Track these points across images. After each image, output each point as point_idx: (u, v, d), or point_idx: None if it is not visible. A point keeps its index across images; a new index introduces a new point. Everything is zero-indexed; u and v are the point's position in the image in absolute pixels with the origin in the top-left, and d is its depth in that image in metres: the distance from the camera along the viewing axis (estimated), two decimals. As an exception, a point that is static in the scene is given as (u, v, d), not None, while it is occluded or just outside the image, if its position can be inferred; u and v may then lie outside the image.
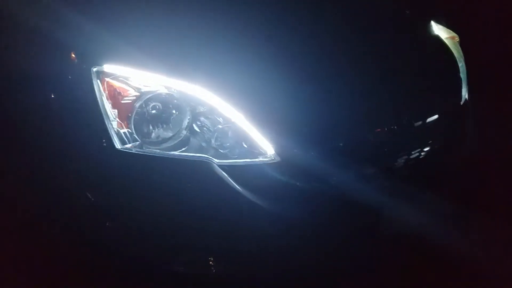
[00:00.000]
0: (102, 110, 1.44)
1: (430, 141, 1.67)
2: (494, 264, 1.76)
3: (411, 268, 1.78)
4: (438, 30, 2.11)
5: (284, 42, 1.59)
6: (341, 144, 1.52)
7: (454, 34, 2.14)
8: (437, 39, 1.94)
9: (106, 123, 1.43)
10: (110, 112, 1.43)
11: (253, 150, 1.45)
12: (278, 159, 1.46)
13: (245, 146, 1.46)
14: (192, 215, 1.44)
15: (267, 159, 1.46)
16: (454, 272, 1.78)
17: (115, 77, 1.46)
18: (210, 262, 1.50)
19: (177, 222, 1.45)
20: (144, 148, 1.44)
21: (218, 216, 1.44)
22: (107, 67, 1.46)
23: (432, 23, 2.10)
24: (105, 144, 1.43)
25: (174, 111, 1.46)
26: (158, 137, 1.45)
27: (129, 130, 1.44)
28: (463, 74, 2.00)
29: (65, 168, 1.52)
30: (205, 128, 1.46)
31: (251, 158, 1.45)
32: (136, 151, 1.43)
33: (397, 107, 1.61)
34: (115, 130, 1.43)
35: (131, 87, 1.45)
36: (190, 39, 1.54)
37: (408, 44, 1.81)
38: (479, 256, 1.76)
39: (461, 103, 1.83)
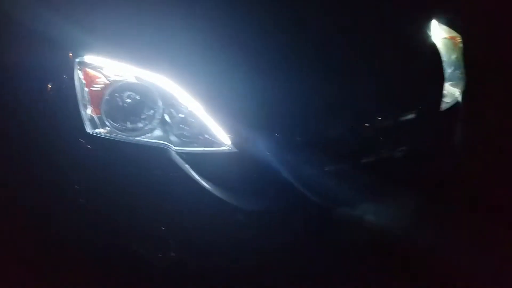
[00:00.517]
0: (78, 97, 1.55)
1: (397, 143, 1.63)
2: (463, 265, 1.69)
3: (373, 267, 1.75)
4: (439, 29, 2.05)
5: (250, 39, 1.63)
6: (298, 139, 1.53)
7: (455, 34, 2.07)
8: (427, 39, 1.88)
9: (81, 108, 1.54)
10: (85, 98, 1.55)
11: (211, 140, 1.51)
12: (234, 149, 1.50)
13: (205, 136, 1.52)
14: (150, 200, 1.52)
15: (224, 149, 1.51)
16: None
17: (94, 67, 1.57)
18: (168, 248, 1.56)
19: (137, 205, 1.54)
20: (112, 133, 1.53)
21: (174, 202, 1.51)
22: (88, 58, 1.57)
23: (435, 22, 2.05)
24: (79, 128, 1.54)
25: (142, 100, 1.54)
26: (126, 123, 1.55)
27: (100, 116, 1.54)
28: (456, 75, 1.93)
29: (45, 150, 1.65)
30: (169, 117, 1.54)
31: (208, 147, 1.50)
32: (103, 135, 1.53)
33: (360, 106, 1.60)
34: (88, 115, 1.54)
35: (105, 76, 1.55)
36: (163, 33, 1.62)
37: (391, 44, 1.78)
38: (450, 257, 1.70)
39: (441, 105, 1.76)
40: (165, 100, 1.54)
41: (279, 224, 1.54)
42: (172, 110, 1.54)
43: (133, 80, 1.56)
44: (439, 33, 2.03)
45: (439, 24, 2.06)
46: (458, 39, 2.06)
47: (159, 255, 1.57)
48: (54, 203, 1.66)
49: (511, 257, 1.82)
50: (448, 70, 1.93)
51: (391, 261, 1.80)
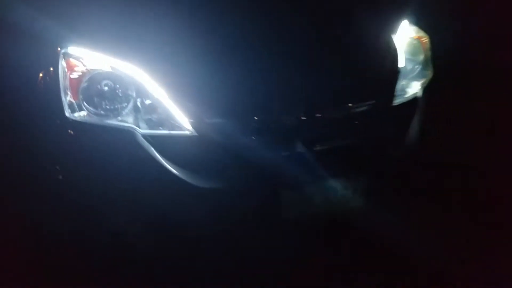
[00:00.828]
0: (60, 84, 1.73)
1: (347, 132, 1.76)
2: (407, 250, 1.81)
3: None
4: (408, 29, 2.16)
5: (211, 35, 1.78)
6: (255, 125, 1.67)
7: (423, 34, 2.18)
8: (388, 38, 2.00)
9: (62, 95, 1.72)
10: (67, 86, 1.72)
11: (174, 124, 1.66)
12: (195, 133, 1.65)
13: (170, 121, 1.68)
14: (119, 177, 1.68)
15: (185, 132, 1.66)
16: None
17: (76, 57, 1.75)
18: (139, 229, 1.72)
19: (108, 182, 1.70)
20: (88, 117, 1.71)
21: (139, 179, 1.67)
22: (71, 49, 1.75)
23: (405, 22, 2.16)
24: (59, 113, 1.72)
25: (115, 88, 1.71)
26: (100, 108, 1.71)
27: (78, 102, 1.72)
28: (420, 72, 2.04)
29: (29, 134, 1.84)
30: (140, 104, 1.70)
31: (170, 130, 1.66)
32: (80, 119, 1.70)
33: (311, 96, 1.73)
34: (68, 101, 1.72)
35: (84, 66, 1.73)
36: (138, 28, 1.79)
37: (349, 40, 1.90)
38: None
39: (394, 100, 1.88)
40: (136, 88, 1.70)
41: (234, 201, 1.68)
42: (141, 97, 1.70)
43: (109, 70, 1.72)
44: (407, 33, 2.14)
45: (409, 24, 2.17)
46: (425, 39, 2.16)
47: (126, 225, 1.73)
48: (36, 180, 1.83)
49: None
50: (411, 67, 2.03)
51: (340, 242, 1.93)
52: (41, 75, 1.81)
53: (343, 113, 1.79)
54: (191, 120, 1.66)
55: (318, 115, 1.74)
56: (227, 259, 1.79)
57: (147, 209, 1.69)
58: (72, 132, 1.74)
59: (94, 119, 1.71)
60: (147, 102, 1.71)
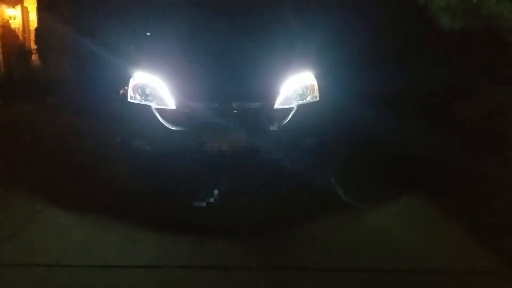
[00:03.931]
0: (129, 88, 4.08)
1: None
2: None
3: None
4: (307, 75, 4.17)
5: (197, 45, 4.03)
6: (200, 103, 3.81)
7: (313, 80, 4.17)
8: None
9: (128, 92, 4.07)
10: (130, 88, 4.07)
11: (167, 103, 3.87)
12: (175, 107, 3.85)
13: (165, 102, 3.89)
14: (143, 126, 3.92)
15: (171, 107, 3.85)
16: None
17: (137, 78, 4.10)
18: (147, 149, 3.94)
19: (138, 128, 3.95)
20: (135, 100, 4.01)
21: (151, 128, 3.88)
22: (135, 74, 4.12)
23: (308, 73, 4.19)
24: (125, 99, 4.05)
25: (145, 87, 3.99)
26: (140, 97, 4.00)
27: (133, 95, 4.04)
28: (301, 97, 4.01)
29: (114, 108, 4.20)
30: (154, 95, 3.95)
31: (164, 106, 3.87)
32: (133, 101, 4.01)
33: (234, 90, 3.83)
34: (130, 94, 4.05)
35: (136, 81, 4.06)
36: (161, 58, 4.10)
37: (268, 66, 3.99)
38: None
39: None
40: (153, 88, 3.95)
41: (189, 136, 3.79)
42: (156, 92, 3.94)
43: (143, 82, 4.02)
44: (305, 77, 4.13)
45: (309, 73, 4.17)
46: (314, 83, 4.14)
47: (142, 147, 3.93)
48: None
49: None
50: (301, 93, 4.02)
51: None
52: (123, 84, 4.17)
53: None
54: (174, 102, 3.85)
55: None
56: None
57: (153, 139, 3.88)
58: (130, 107, 4.04)
59: (138, 101, 3.98)
60: (158, 94, 3.93)
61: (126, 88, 4.08)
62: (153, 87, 3.93)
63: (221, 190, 3.97)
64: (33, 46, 9.24)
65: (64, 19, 7.59)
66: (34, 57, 9.35)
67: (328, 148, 4.26)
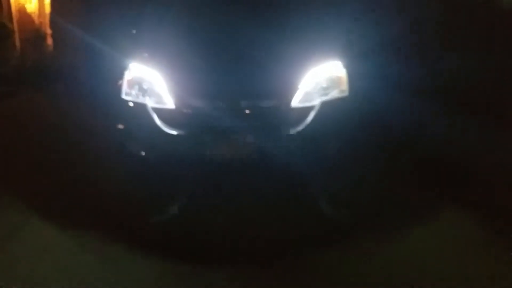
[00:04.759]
0: (124, 82, 3.46)
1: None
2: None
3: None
4: (335, 66, 3.43)
5: (201, 33, 3.36)
6: (202, 103, 3.15)
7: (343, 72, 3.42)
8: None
9: (123, 87, 3.44)
10: (125, 82, 3.44)
11: (164, 102, 3.23)
12: (173, 107, 3.20)
13: (162, 100, 3.25)
14: (139, 125, 3.30)
15: (169, 106, 3.21)
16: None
17: (131, 69, 3.46)
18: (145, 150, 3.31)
19: (134, 128, 3.33)
20: (130, 97, 3.38)
21: (146, 128, 3.26)
22: (131, 65, 3.48)
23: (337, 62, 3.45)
24: (119, 96, 3.43)
25: (141, 82, 3.34)
26: (135, 93, 3.37)
27: (128, 91, 3.41)
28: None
29: (107, 103, 3.59)
30: (150, 92, 3.31)
31: (161, 105, 3.23)
32: (127, 99, 3.39)
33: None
34: (124, 90, 3.43)
35: (132, 73, 3.43)
36: (159, 50, 3.45)
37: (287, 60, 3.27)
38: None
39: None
40: (149, 82, 3.31)
41: (187, 140, 3.14)
42: (152, 89, 3.30)
43: (139, 75, 3.38)
44: (333, 68, 3.39)
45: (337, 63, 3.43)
46: (343, 75, 3.39)
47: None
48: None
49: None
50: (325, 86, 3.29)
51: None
52: (117, 77, 3.55)
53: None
54: (172, 101, 3.20)
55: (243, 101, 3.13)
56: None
57: (148, 144, 3.26)
58: (124, 104, 3.41)
59: (132, 98, 3.36)
60: (154, 89, 3.29)
61: (120, 82, 3.45)
62: (150, 82, 3.29)
63: (225, 205, 3.33)
64: (49, 30, 8.83)
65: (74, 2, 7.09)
66: (50, 41, 8.94)
67: (360, 156, 3.53)
